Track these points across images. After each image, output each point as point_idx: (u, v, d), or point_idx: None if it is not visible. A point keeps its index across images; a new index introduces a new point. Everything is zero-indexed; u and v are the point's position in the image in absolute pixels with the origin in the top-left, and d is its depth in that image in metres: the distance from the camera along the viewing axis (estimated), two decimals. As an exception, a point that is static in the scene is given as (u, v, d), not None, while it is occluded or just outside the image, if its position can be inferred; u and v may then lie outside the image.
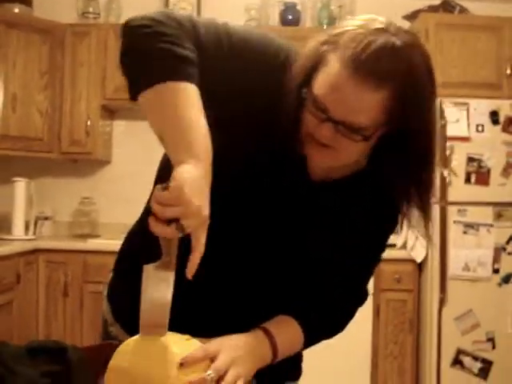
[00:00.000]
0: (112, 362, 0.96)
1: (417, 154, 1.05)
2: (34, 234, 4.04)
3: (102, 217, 4.29)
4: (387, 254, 3.58)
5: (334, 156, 1.04)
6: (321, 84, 0.99)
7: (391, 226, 1.27)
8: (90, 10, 4.23)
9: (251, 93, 1.09)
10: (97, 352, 1.09)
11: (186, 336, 1.00)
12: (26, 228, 3.99)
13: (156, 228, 0.89)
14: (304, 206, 1.17)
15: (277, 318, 1.17)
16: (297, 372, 1.42)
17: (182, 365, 0.93)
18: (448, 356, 3.45)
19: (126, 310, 1.17)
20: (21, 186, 3.94)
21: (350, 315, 1.30)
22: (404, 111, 0.98)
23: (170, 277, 0.96)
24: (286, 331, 1.16)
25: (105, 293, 1.37)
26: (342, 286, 1.25)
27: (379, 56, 0.95)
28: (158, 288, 0.96)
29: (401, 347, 3.67)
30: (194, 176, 0.91)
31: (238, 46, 1.09)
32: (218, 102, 1.07)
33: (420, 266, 3.67)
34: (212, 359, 0.99)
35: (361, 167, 1.13)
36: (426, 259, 3.56)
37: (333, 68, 0.97)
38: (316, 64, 1.01)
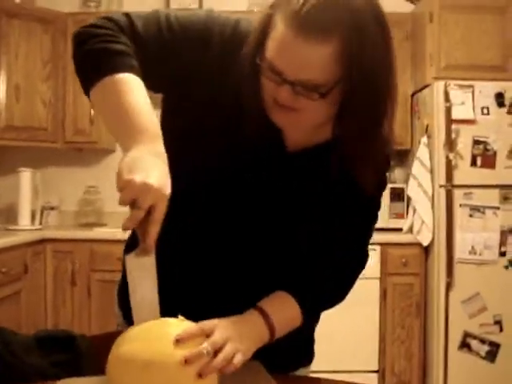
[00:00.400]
0: (111, 353, 0.97)
1: (374, 101, 1.02)
2: (41, 223, 4.05)
3: (108, 206, 4.30)
4: (393, 237, 3.60)
5: (299, 118, 1.04)
6: (271, 48, 0.99)
7: (379, 184, 1.24)
8: (92, -2, 4.21)
9: (206, 74, 1.11)
10: (105, 341, 1.10)
11: (180, 318, 1.01)
12: (33, 218, 4.00)
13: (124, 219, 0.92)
14: (287, 177, 1.17)
15: (272, 295, 1.16)
16: (309, 357, 1.42)
17: (177, 341, 0.93)
18: (455, 339, 3.46)
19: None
20: (26, 176, 3.95)
21: (350, 280, 1.28)
22: (355, 61, 0.96)
23: (151, 261, 0.97)
24: (282, 308, 1.15)
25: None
26: (338, 253, 1.24)
27: (318, 9, 0.94)
28: (142, 280, 0.98)
29: (408, 331, 3.68)
30: (135, 156, 0.94)
31: (179, 31, 1.11)
32: (175, 91, 1.13)
33: (426, 250, 3.66)
34: (208, 336, 0.99)
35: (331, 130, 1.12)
36: (432, 243, 3.56)
37: (278, 29, 0.97)
38: (265, 29, 1.01)
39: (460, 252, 3.46)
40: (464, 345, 3.46)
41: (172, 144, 1.02)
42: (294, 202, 1.18)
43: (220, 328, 1.01)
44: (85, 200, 4.32)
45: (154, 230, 0.94)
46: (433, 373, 3.53)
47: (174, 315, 1.01)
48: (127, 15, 1.12)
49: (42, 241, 3.72)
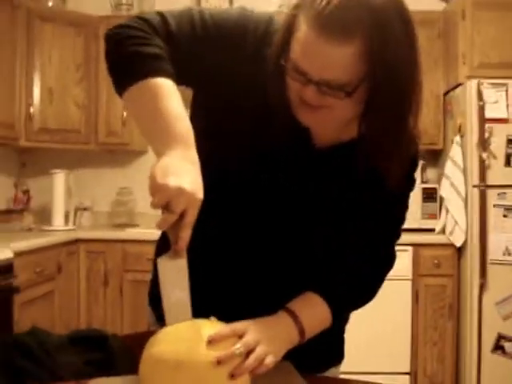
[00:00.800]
0: (143, 353, 0.98)
1: (399, 98, 1.02)
2: (74, 224, 4.11)
3: (140, 206, 4.34)
4: (426, 238, 3.57)
5: (326, 116, 1.04)
6: (295, 48, 1.00)
7: (407, 184, 1.24)
8: (123, 1, 4.26)
9: (238, 74, 1.12)
10: (137, 340, 1.11)
11: (212, 319, 1.01)
12: (66, 219, 4.06)
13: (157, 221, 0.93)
14: (316, 174, 1.17)
15: (301, 296, 1.16)
16: (339, 357, 1.41)
17: (209, 342, 0.94)
18: (489, 341, 3.41)
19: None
20: (60, 177, 4.01)
21: (378, 280, 1.28)
22: (379, 59, 0.96)
23: (183, 264, 0.98)
24: (311, 309, 1.15)
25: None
26: (365, 253, 1.24)
27: (340, 9, 0.94)
28: (175, 283, 0.99)
29: (440, 333, 3.64)
30: (169, 161, 0.95)
31: (213, 29, 1.12)
32: (207, 89, 1.14)
33: (459, 251, 3.62)
34: (240, 337, 0.99)
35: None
36: (465, 244, 3.51)
37: (302, 30, 0.98)
38: (290, 29, 1.02)
39: (493, 253, 3.41)
40: (497, 347, 3.40)
41: (200, 143, 1.03)
42: (323, 200, 1.18)
43: (252, 330, 1.01)
44: (117, 201, 4.37)
45: (186, 234, 0.95)
46: (465, 375, 3.48)
47: (204, 317, 1.02)
48: (161, 14, 1.13)
49: (76, 241, 3.77)
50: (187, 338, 0.96)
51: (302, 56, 0.98)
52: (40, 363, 1.08)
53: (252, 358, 0.97)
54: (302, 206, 1.18)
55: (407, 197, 1.27)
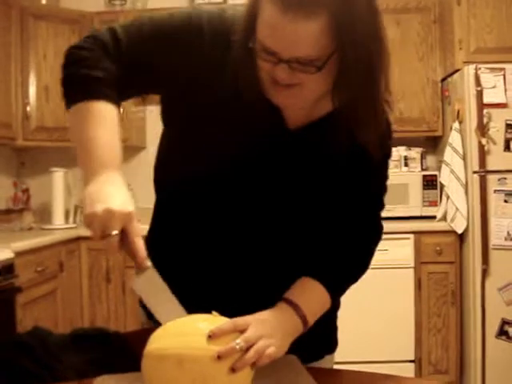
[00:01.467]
0: (145, 349, 0.97)
1: (368, 68, 1.04)
2: (74, 222, 4.10)
3: (140, 202, 4.30)
4: (427, 225, 3.57)
5: (299, 93, 1.05)
6: (261, 29, 0.99)
7: (384, 152, 1.24)
8: (117, -4, 4.24)
9: (201, 67, 1.13)
10: (140, 337, 1.10)
11: (214, 313, 1.01)
12: (66, 217, 4.06)
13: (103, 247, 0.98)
14: (292, 156, 1.18)
15: (296, 284, 1.16)
16: (333, 344, 1.40)
17: (210, 337, 0.94)
18: (493, 327, 3.41)
19: None
20: (59, 176, 4.00)
21: (368, 253, 1.29)
22: (346, 31, 0.96)
23: (152, 273, 1.02)
24: (309, 295, 1.16)
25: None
26: (352, 227, 1.25)
27: None
28: (154, 291, 1.03)
29: (444, 320, 3.64)
30: (92, 189, 1.01)
31: (163, 35, 1.14)
32: (174, 89, 1.16)
33: (461, 237, 3.61)
34: (241, 332, 0.99)
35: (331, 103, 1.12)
36: (467, 230, 3.51)
37: (266, 10, 0.98)
38: (254, 11, 1.02)
39: (495, 238, 3.41)
40: (502, 332, 3.40)
41: (177, 136, 1.09)
42: (304, 181, 1.19)
43: (253, 324, 1.01)
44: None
45: (139, 246, 0.99)
46: (470, 361, 3.49)
47: (198, 310, 1.02)
48: (113, 31, 1.15)
49: (77, 239, 3.76)
50: (188, 332, 0.97)
51: (270, 36, 0.98)
52: (42, 363, 1.08)
53: (252, 350, 0.97)
54: (283, 190, 1.18)
55: (386, 165, 1.28)
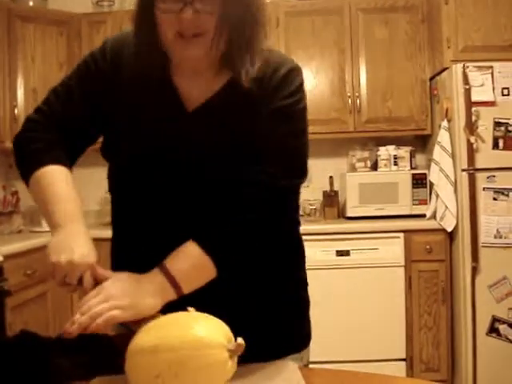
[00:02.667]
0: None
1: (247, 11, 1.13)
2: (64, 224, 4.08)
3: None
4: (417, 224, 3.58)
5: (205, 41, 1.12)
6: None
7: (286, 112, 1.25)
8: (104, -3, 4.22)
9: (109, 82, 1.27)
10: (127, 340, 1.10)
11: (190, 309, 1.04)
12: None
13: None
14: (196, 134, 1.23)
15: (176, 250, 1.16)
16: (300, 343, 1.38)
17: (64, 333, 1.06)
18: (483, 324, 3.42)
19: None
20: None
21: (258, 217, 1.20)
22: None
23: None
24: (184, 258, 1.15)
25: None
26: (242, 190, 1.20)
27: None
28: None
29: (435, 318, 3.65)
30: (56, 240, 1.14)
31: (74, 83, 1.32)
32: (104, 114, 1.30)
33: (451, 235, 3.62)
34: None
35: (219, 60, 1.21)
36: (456, 228, 3.52)
37: None
38: None
39: (485, 236, 3.42)
40: (492, 330, 3.42)
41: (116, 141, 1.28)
42: (209, 156, 1.23)
43: (106, 287, 1.10)
44: (106, 199, 4.34)
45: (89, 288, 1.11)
46: (461, 359, 3.50)
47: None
48: (36, 109, 1.33)
49: (66, 241, 3.74)
50: (161, 326, 1.02)
51: None
52: (30, 366, 1.07)
53: (85, 316, 1.05)
54: (196, 168, 1.23)
55: (295, 123, 1.26)
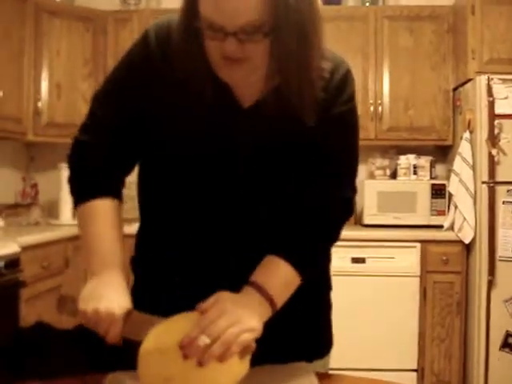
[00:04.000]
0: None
1: (301, 33, 1.07)
2: (81, 219, 4.11)
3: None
4: (434, 235, 3.54)
5: (249, 66, 1.08)
6: (204, 6, 1.03)
7: (346, 119, 1.23)
8: (131, -5, 4.25)
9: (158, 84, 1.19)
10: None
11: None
12: (74, 213, 4.06)
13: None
14: (251, 133, 1.18)
15: (260, 264, 1.14)
16: (322, 347, 1.37)
17: (181, 348, 0.95)
18: (497, 339, 3.39)
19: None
20: (68, 172, 4.00)
21: (336, 226, 1.24)
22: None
23: None
24: (274, 273, 1.13)
25: None
26: (318, 201, 1.21)
27: None
28: None
29: (448, 330, 3.62)
30: (90, 287, 1.12)
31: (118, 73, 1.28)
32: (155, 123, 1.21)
33: (468, 248, 3.60)
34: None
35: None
36: (474, 240, 3.49)
37: None
38: None
39: (502, 250, 3.39)
40: (506, 344, 3.38)
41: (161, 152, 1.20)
42: (266, 158, 1.19)
43: (217, 315, 1.00)
44: (126, 196, 4.35)
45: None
46: (473, 373, 3.47)
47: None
48: (89, 112, 1.30)
49: (83, 236, 3.76)
50: (173, 330, 0.99)
51: (214, 9, 1.01)
52: (42, 359, 1.08)
53: (219, 343, 0.96)
54: (248, 170, 1.19)
55: (348, 131, 1.25)
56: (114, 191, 1.24)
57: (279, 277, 1.13)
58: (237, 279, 1.13)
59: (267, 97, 1.17)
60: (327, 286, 1.39)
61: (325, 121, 1.18)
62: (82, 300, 1.09)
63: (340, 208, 1.24)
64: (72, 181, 1.25)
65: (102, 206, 1.20)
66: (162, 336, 0.99)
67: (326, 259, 1.30)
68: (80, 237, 1.22)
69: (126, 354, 1.13)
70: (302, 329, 1.29)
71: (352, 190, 1.26)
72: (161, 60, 1.18)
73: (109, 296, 1.08)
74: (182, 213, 1.23)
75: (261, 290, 1.10)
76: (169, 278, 1.24)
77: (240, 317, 1.00)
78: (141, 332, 1.02)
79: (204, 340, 0.95)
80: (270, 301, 1.10)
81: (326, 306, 1.38)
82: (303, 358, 1.28)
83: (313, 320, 1.32)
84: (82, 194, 1.22)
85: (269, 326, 1.07)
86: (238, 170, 1.19)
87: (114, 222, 1.20)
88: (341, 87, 1.21)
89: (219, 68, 1.10)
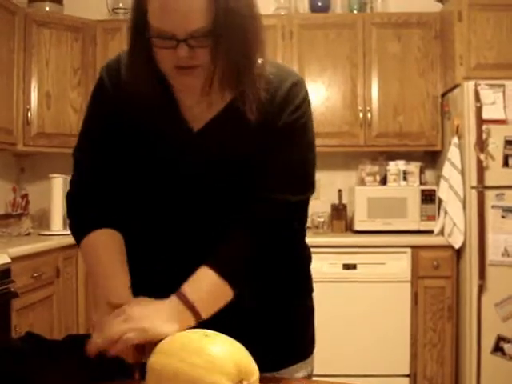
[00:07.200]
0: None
1: (243, 38, 1.12)
2: (72, 228, 4.09)
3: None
4: (424, 240, 3.57)
5: (202, 71, 1.13)
6: (154, 15, 1.08)
7: (292, 129, 1.24)
8: (120, 5, 4.26)
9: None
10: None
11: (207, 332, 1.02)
12: (65, 223, 4.05)
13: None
14: (205, 152, 1.24)
15: (194, 273, 1.17)
16: (305, 349, 1.38)
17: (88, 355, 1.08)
18: (488, 343, 3.40)
19: None
20: (58, 182, 4.00)
21: (269, 236, 1.22)
22: (223, 5, 1.07)
23: None
24: (200, 283, 1.16)
25: None
26: (251, 211, 1.22)
27: None
28: None
29: (440, 335, 3.63)
30: (95, 321, 1.17)
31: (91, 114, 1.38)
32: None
33: (458, 252, 3.62)
34: None
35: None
36: (464, 245, 3.51)
37: None
38: (141, 6, 1.11)
39: (492, 254, 3.41)
40: (497, 349, 3.40)
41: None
42: (222, 173, 1.24)
43: (125, 311, 1.10)
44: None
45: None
46: (465, 377, 3.48)
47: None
48: (77, 173, 1.39)
49: (74, 245, 3.70)
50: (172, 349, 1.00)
51: (163, 17, 1.07)
52: (32, 370, 1.08)
53: (104, 337, 1.07)
54: (206, 186, 1.25)
55: (295, 141, 1.25)
56: (113, 222, 1.29)
57: (205, 286, 1.15)
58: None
59: (216, 118, 1.23)
60: (309, 289, 1.41)
61: (271, 133, 1.21)
62: (96, 329, 1.12)
63: (283, 216, 1.23)
64: (71, 225, 1.34)
65: (101, 238, 1.27)
66: (170, 358, 0.98)
67: (265, 263, 1.23)
68: (86, 268, 1.33)
69: (115, 364, 1.13)
70: (283, 334, 1.31)
71: (304, 194, 1.26)
72: (113, 90, 1.27)
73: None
74: (151, 223, 1.31)
75: (183, 297, 1.13)
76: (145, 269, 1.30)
77: (134, 317, 1.08)
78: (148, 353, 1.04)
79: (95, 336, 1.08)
80: (192, 309, 1.12)
81: (307, 310, 1.40)
82: (287, 361, 1.30)
83: (293, 324, 1.34)
84: (81, 230, 1.29)
85: (248, 329, 1.11)
86: (192, 184, 1.25)
87: (116, 254, 1.26)
88: (287, 99, 1.23)
89: (172, 77, 1.17)
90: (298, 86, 1.25)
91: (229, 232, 1.20)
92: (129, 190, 1.31)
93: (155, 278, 1.29)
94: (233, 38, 1.10)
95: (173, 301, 1.13)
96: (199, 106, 1.23)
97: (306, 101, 1.26)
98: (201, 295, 1.14)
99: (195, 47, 1.08)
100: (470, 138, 3.46)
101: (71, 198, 1.35)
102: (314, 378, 1.38)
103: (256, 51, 1.17)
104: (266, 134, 1.21)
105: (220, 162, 1.23)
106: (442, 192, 3.69)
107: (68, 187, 1.37)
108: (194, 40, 1.07)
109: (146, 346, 1.08)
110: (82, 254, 1.31)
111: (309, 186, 1.27)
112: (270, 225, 1.21)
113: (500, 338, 3.39)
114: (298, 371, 1.32)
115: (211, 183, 1.24)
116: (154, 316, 1.09)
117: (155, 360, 0.99)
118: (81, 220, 1.31)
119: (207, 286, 1.15)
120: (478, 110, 3.43)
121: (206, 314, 1.13)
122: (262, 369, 1.06)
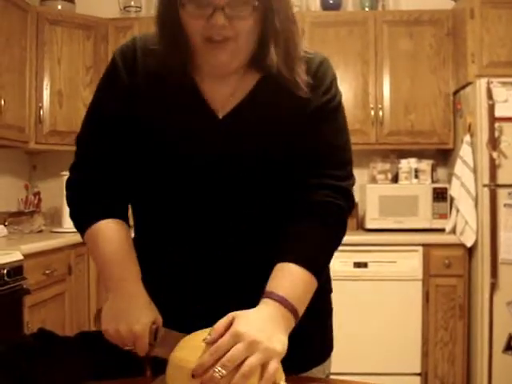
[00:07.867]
0: (171, 355, 1.00)
1: (286, 10, 1.09)
2: (84, 226, 4.11)
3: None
4: (436, 238, 3.55)
5: (236, 46, 1.07)
6: None
7: (329, 105, 1.22)
8: (132, 3, 4.28)
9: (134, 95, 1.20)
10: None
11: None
12: (76, 221, 4.07)
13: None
14: (231, 141, 1.16)
15: (274, 273, 1.09)
16: (323, 352, 1.34)
17: (193, 376, 0.91)
18: (500, 342, 3.39)
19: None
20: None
21: (338, 223, 1.19)
22: None
23: None
24: (291, 281, 1.07)
25: None
26: (313, 200, 1.17)
27: None
28: None
29: (451, 333, 3.62)
30: (108, 307, 1.12)
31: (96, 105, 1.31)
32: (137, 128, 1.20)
33: (470, 251, 3.60)
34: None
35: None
36: (476, 243, 3.49)
37: None
38: None
39: (505, 253, 3.39)
40: (509, 347, 3.38)
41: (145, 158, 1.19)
42: (256, 162, 1.16)
43: (243, 334, 0.94)
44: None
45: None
46: (477, 376, 3.46)
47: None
48: (77, 150, 1.29)
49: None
50: (200, 347, 0.95)
51: None
52: (45, 367, 1.08)
53: (238, 377, 0.90)
54: (237, 177, 1.16)
55: (336, 120, 1.24)
56: (117, 213, 1.22)
57: (297, 284, 1.07)
58: (237, 278, 1.16)
59: (243, 102, 1.17)
60: (328, 289, 1.36)
61: (308, 115, 1.18)
62: (104, 320, 1.10)
63: (341, 200, 1.19)
64: (73, 214, 1.25)
65: (107, 227, 1.19)
66: (185, 353, 0.96)
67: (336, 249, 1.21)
68: (92, 258, 1.24)
69: (126, 361, 1.14)
70: (303, 335, 1.28)
71: (350, 179, 1.24)
72: (128, 76, 1.19)
73: (129, 312, 1.09)
74: (174, 218, 1.21)
75: (284, 301, 1.03)
76: (170, 283, 1.21)
77: (257, 339, 0.93)
78: (167, 350, 1.01)
79: (220, 372, 0.89)
80: (294, 311, 1.04)
81: (327, 310, 1.36)
82: (305, 364, 1.27)
83: (314, 325, 1.27)
84: (85, 219, 1.21)
85: None
86: (216, 180, 1.17)
87: (121, 242, 1.18)
88: (316, 80, 1.19)
89: (202, 53, 1.10)
90: (325, 64, 1.22)
91: (291, 224, 1.15)
92: (138, 179, 1.23)
93: (169, 269, 1.22)
94: (278, 7, 1.06)
95: (272, 307, 1.03)
96: (223, 90, 1.16)
97: (336, 80, 1.24)
98: (296, 294, 1.06)
99: (232, 18, 1.02)
100: (483, 135, 3.44)
101: (72, 185, 1.27)
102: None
103: (295, 26, 1.13)
104: (299, 117, 1.17)
105: (248, 152, 1.16)
106: (454, 190, 3.67)
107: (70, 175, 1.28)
108: (232, 8, 1.01)
109: (156, 341, 1.08)
110: (88, 242, 1.21)
111: (351, 170, 1.26)
112: (336, 209, 1.17)
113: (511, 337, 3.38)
114: (316, 374, 1.29)
115: (236, 173, 1.16)
116: (271, 331, 0.97)
117: (180, 355, 0.97)
118: (85, 208, 1.22)
119: (299, 284, 1.07)
120: (491, 108, 3.41)
121: (302, 312, 1.07)
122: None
